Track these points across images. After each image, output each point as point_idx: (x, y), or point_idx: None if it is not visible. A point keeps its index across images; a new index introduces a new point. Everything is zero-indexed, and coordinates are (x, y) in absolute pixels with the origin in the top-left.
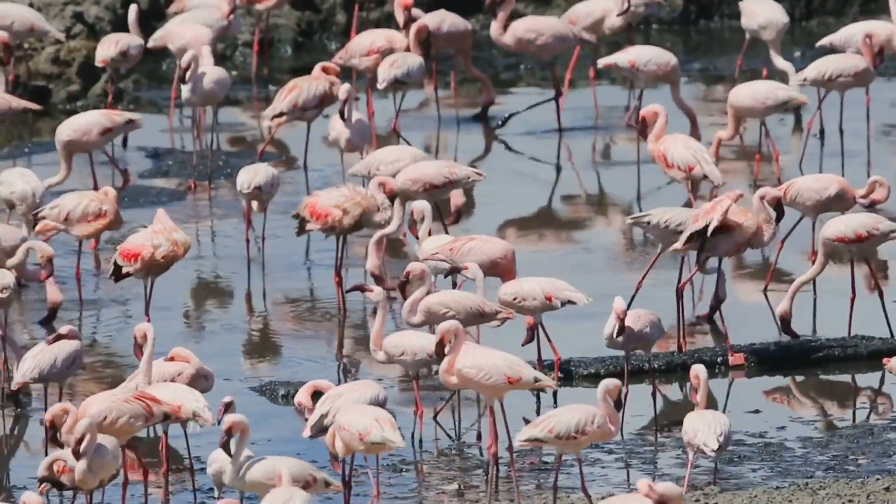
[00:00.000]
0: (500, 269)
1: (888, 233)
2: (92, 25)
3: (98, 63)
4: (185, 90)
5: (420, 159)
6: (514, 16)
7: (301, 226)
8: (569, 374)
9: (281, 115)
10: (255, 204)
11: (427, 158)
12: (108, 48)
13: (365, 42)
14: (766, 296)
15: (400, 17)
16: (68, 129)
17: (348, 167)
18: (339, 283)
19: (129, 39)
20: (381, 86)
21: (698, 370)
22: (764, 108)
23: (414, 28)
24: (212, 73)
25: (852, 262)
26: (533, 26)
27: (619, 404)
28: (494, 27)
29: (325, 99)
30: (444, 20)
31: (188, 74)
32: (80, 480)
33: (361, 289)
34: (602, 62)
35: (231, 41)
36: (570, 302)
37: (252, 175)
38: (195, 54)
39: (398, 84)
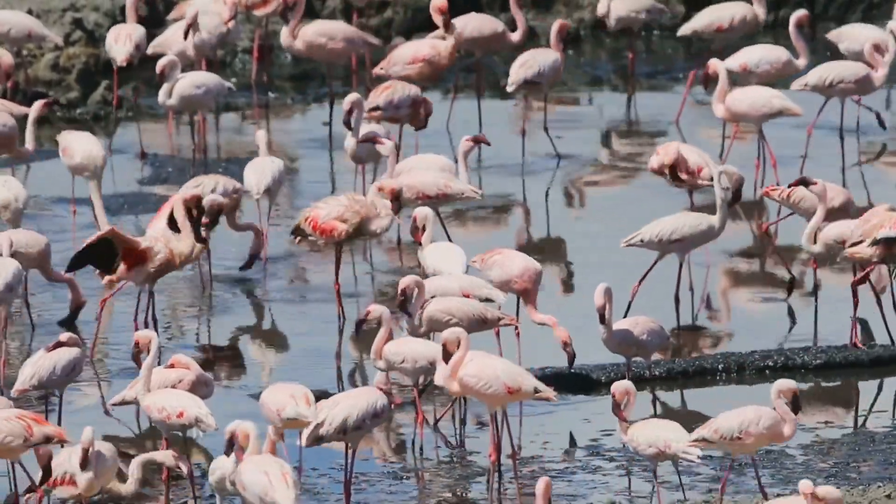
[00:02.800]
0: (516, 288)
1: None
2: (91, 32)
3: (122, 63)
4: (161, 94)
5: (449, 169)
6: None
7: (301, 234)
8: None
9: (377, 109)
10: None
11: (454, 170)
12: (125, 44)
13: (407, 52)
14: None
15: (439, 21)
16: (102, 150)
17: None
18: (338, 291)
19: (138, 31)
20: (510, 88)
21: (627, 386)
22: (759, 116)
23: (556, 26)
24: (193, 78)
25: (854, 267)
26: (322, 30)
27: (796, 406)
28: (285, 34)
29: (417, 104)
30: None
31: (164, 78)
32: (86, 488)
33: (364, 321)
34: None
35: (231, 48)
36: (487, 299)
37: (260, 177)
38: (172, 60)
39: (529, 85)
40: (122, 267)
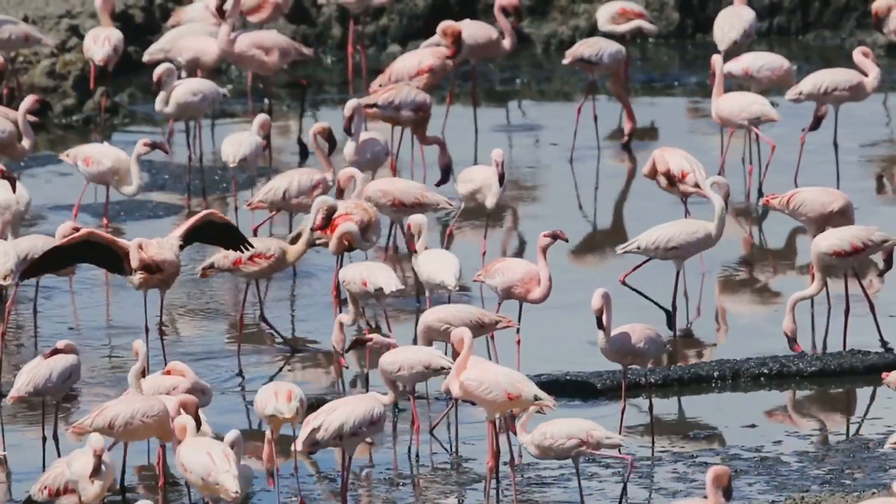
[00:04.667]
0: (519, 292)
1: (881, 242)
2: None
3: (99, 63)
4: (158, 102)
5: (490, 181)
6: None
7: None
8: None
9: (373, 106)
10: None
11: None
12: (103, 46)
13: (412, 62)
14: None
15: (449, 45)
16: (127, 155)
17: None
18: (336, 297)
19: (115, 34)
20: (565, 60)
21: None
22: (740, 120)
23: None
24: (190, 85)
25: (846, 275)
26: (257, 41)
27: None
28: (221, 39)
29: (421, 108)
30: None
31: (161, 86)
32: (96, 496)
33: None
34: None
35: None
36: (379, 289)
37: (237, 147)
38: (169, 67)
39: (583, 63)
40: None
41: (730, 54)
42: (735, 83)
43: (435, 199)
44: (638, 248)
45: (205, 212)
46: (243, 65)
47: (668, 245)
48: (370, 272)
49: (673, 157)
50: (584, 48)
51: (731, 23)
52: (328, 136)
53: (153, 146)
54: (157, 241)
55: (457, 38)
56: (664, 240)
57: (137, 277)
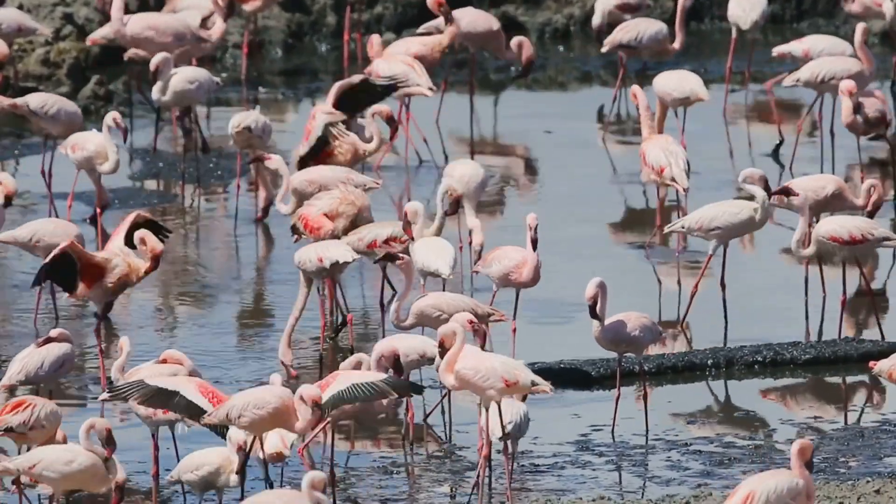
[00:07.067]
0: (514, 280)
1: (881, 239)
2: (81, 27)
3: (88, 42)
4: (155, 91)
5: (475, 173)
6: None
7: (297, 233)
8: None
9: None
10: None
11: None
12: (102, 29)
13: (399, 49)
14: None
15: (439, 13)
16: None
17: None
18: (331, 287)
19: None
20: (603, 49)
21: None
22: (671, 100)
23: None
24: (185, 73)
25: (844, 264)
26: (151, 24)
27: None
28: (114, 23)
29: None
30: (462, 17)
31: (158, 75)
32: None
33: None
34: (777, 50)
35: (221, 43)
36: (336, 262)
37: (243, 116)
38: (166, 57)
39: (624, 48)
40: (81, 286)
41: (746, 40)
42: (792, 66)
43: (361, 180)
44: (683, 227)
45: (134, 213)
46: (139, 47)
47: (711, 224)
48: (325, 248)
49: (652, 151)
50: (622, 34)
51: (750, 3)
52: (388, 118)
53: (118, 125)
54: (102, 256)
55: (443, 5)
56: (707, 219)
57: (113, 277)
